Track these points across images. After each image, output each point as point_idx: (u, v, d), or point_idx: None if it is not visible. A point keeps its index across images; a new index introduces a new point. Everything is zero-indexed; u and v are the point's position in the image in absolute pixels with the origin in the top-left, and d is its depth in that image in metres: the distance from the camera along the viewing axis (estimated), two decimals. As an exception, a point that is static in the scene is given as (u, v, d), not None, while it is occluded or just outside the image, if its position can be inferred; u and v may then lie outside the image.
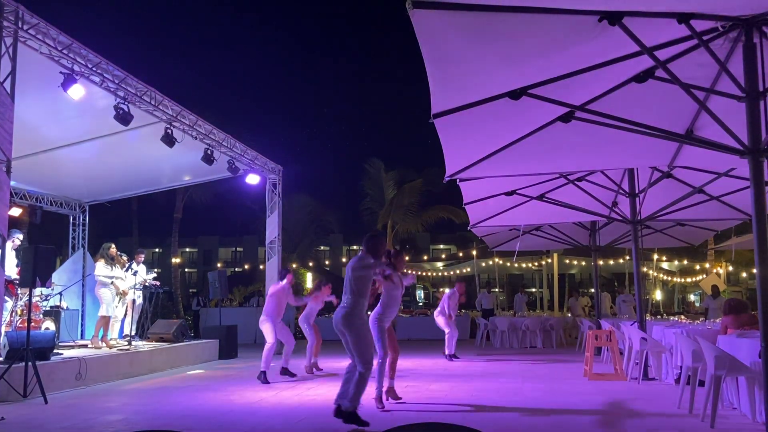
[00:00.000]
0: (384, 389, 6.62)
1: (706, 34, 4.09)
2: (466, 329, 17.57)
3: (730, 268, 23.24)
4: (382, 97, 74.81)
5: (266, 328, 8.75)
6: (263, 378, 8.46)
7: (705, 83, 4.70)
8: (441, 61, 3.96)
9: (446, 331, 11.77)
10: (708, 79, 4.74)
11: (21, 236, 9.61)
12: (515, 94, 4.51)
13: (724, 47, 4.25)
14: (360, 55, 76.48)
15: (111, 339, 10.21)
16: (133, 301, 10.76)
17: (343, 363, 9.82)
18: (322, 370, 9.78)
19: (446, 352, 11.71)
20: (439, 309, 11.93)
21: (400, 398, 6.92)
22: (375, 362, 6.22)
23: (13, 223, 11.53)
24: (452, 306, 11.84)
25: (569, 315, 17.30)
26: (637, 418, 6.05)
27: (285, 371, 9.10)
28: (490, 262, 21.99)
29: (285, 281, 9.12)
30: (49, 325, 9.58)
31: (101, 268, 10.19)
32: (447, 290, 12.15)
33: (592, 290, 15.38)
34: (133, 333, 10.62)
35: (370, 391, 6.06)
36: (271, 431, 5.73)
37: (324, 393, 7.65)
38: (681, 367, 6.71)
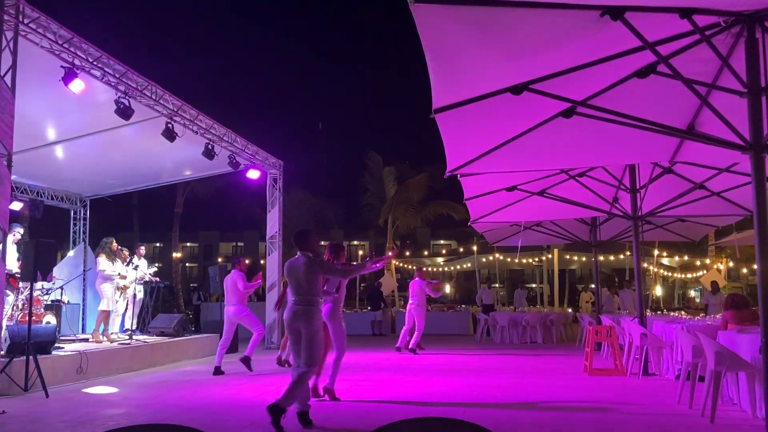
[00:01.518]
0: (324, 385, 6.68)
1: (709, 29, 4.09)
2: (467, 324, 17.58)
3: (731, 264, 23.28)
4: (383, 92, 74.74)
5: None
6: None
7: (707, 78, 4.70)
8: (442, 56, 3.96)
9: (417, 325, 11.95)
10: (710, 75, 4.74)
11: (22, 230, 9.63)
12: (517, 89, 4.50)
13: (726, 42, 4.25)
14: (361, 51, 76.31)
15: (112, 333, 10.24)
16: (134, 295, 10.79)
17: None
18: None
19: (410, 345, 11.84)
20: (418, 302, 12.03)
21: (339, 399, 6.72)
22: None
23: (15, 218, 11.57)
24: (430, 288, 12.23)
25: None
26: (637, 413, 6.06)
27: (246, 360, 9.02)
28: (491, 258, 22.05)
29: (238, 267, 9.18)
30: (50, 319, 9.61)
31: (103, 264, 10.21)
32: (415, 280, 12.26)
33: (593, 285, 15.39)
34: (133, 327, 10.65)
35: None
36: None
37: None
38: (681, 362, 6.73)
